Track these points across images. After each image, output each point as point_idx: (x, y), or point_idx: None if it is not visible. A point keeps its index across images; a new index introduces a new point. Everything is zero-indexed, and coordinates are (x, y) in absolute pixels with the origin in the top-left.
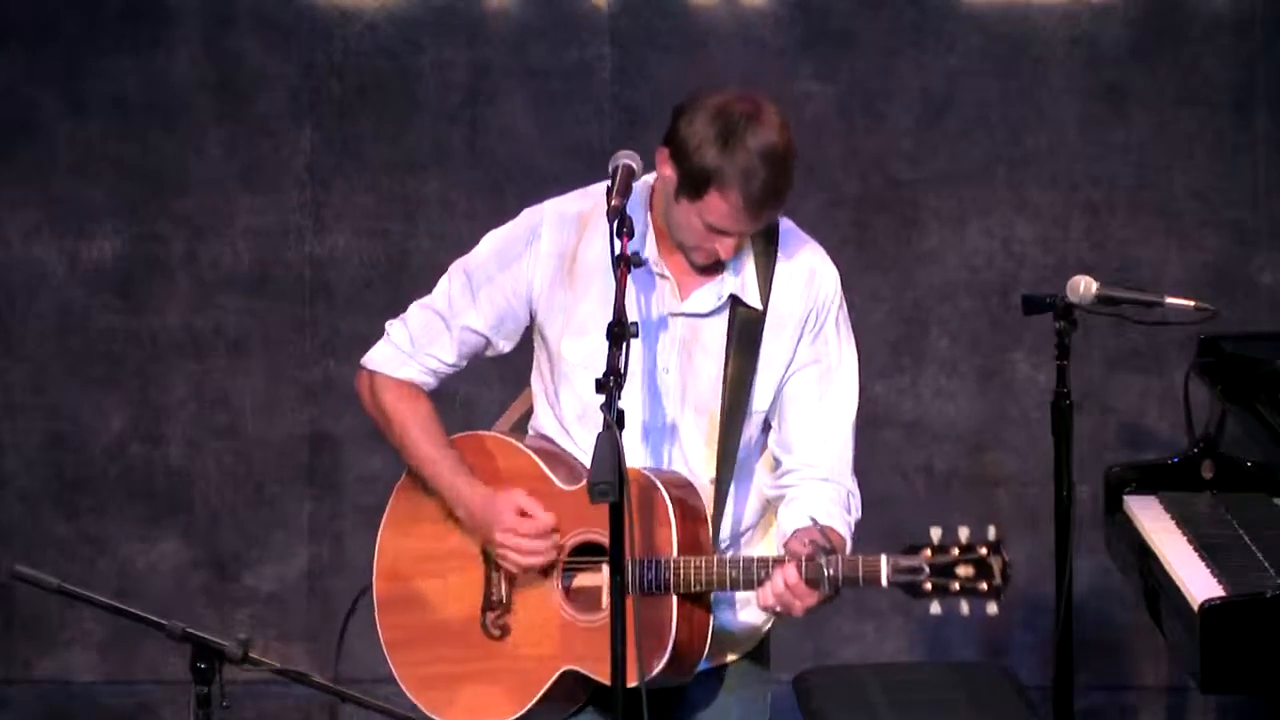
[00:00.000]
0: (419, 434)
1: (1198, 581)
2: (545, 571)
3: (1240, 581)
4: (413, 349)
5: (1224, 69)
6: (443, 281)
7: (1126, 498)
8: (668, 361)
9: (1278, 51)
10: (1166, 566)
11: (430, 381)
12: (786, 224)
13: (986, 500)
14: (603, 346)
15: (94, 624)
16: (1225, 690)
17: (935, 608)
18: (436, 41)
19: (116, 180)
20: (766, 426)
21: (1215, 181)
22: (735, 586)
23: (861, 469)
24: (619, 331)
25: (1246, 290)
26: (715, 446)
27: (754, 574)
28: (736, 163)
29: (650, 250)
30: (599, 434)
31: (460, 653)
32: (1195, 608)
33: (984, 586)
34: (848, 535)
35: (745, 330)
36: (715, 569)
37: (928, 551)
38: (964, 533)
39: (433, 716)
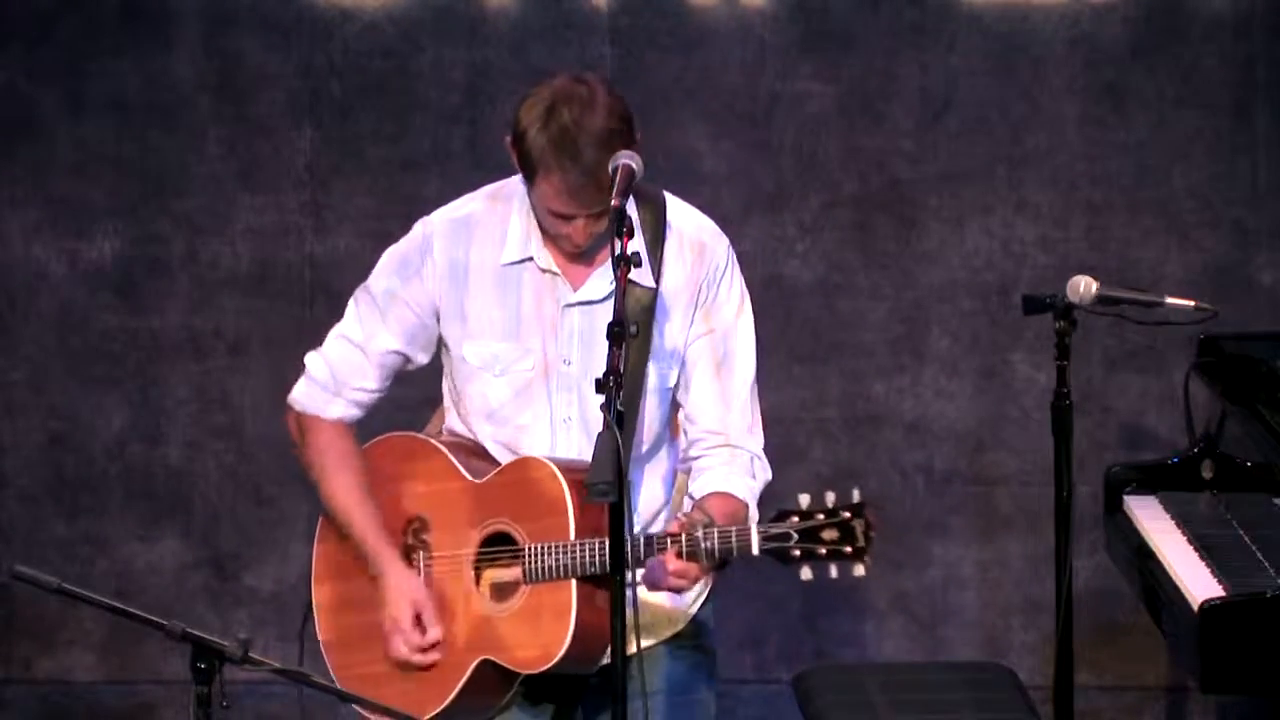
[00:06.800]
0: (341, 486)
1: (1198, 581)
2: (460, 565)
3: (1240, 581)
4: (336, 386)
5: (1224, 69)
6: (350, 306)
7: (1126, 498)
8: (569, 354)
9: (1278, 51)
10: (1166, 566)
11: (358, 414)
12: (674, 201)
13: (986, 500)
14: (501, 347)
15: (94, 624)
16: (1225, 690)
17: (806, 573)
18: (436, 41)
19: (116, 180)
20: (678, 406)
21: (1215, 181)
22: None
23: (861, 469)
24: (618, 331)
25: (1246, 290)
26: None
27: (640, 553)
28: (553, 143)
29: (535, 248)
30: (599, 434)
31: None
32: (1195, 608)
33: (848, 549)
34: (751, 500)
35: (638, 310)
36: (608, 551)
37: (795, 518)
38: (830, 497)
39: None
